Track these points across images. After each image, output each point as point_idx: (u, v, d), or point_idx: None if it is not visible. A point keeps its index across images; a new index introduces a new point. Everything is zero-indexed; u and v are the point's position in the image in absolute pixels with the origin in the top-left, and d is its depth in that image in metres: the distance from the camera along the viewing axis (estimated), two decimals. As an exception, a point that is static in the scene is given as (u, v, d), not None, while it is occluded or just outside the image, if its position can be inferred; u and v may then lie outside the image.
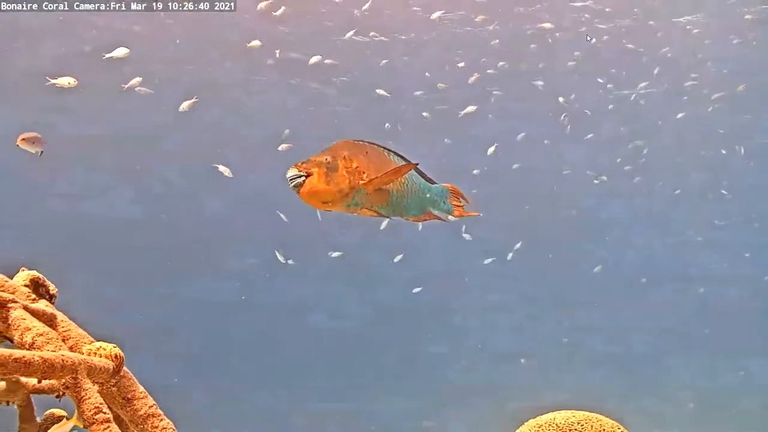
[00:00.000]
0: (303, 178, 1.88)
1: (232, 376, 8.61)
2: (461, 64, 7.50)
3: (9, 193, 7.56)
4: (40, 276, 1.18)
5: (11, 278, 1.17)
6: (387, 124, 7.40)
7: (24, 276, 1.17)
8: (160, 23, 6.82)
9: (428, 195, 2.15)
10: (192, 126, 7.27)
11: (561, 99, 7.76)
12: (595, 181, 8.07)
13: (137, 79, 5.39)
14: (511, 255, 8.20)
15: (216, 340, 8.76)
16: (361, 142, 2.03)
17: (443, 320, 9.19)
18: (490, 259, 8.29)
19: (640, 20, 7.73)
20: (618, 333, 9.41)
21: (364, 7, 6.89)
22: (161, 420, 1.10)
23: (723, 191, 8.81)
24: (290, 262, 7.77)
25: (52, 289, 1.19)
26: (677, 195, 8.97)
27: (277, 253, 7.60)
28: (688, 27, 7.77)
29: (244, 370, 8.67)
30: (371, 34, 7.42)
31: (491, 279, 8.92)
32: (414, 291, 8.43)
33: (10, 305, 1.05)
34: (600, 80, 8.14)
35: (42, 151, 3.61)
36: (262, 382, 8.60)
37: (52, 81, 4.19)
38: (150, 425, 1.09)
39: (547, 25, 7.40)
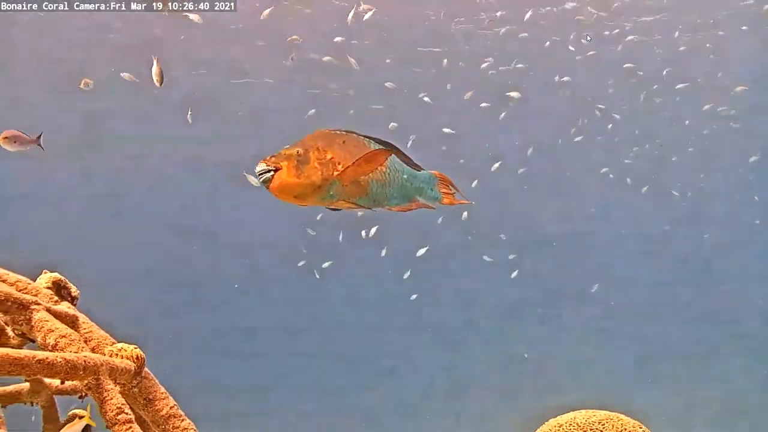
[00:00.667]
0: (272, 173, 1.80)
1: (233, 376, 8.63)
2: (483, 65, 7.48)
3: (12, 193, 7.59)
4: (62, 278, 1.19)
5: (34, 280, 1.19)
6: (393, 124, 7.40)
7: (46, 278, 1.19)
8: (169, 22, 6.83)
9: (413, 182, 2.02)
10: (203, 127, 7.28)
11: (578, 99, 7.74)
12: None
13: (156, 70, 5.35)
14: (512, 256, 8.18)
15: (216, 340, 8.77)
16: (338, 132, 1.92)
17: (444, 320, 9.18)
18: (489, 258, 8.27)
19: (654, 18, 7.70)
20: (628, 334, 9.36)
21: (374, 9, 6.88)
22: (182, 420, 1.11)
23: (755, 197, 8.68)
24: (301, 264, 7.85)
25: (74, 291, 1.20)
26: (689, 197, 8.90)
27: (303, 251, 7.67)
28: (702, 25, 7.71)
29: (245, 371, 8.68)
30: (382, 34, 7.42)
31: (492, 279, 8.89)
32: (412, 298, 8.44)
33: (33, 307, 1.06)
34: (610, 80, 8.10)
35: (40, 144, 3.36)
36: (262, 382, 8.62)
37: (84, 85, 4.10)
38: (171, 426, 1.11)
39: (576, 19, 7.37)
